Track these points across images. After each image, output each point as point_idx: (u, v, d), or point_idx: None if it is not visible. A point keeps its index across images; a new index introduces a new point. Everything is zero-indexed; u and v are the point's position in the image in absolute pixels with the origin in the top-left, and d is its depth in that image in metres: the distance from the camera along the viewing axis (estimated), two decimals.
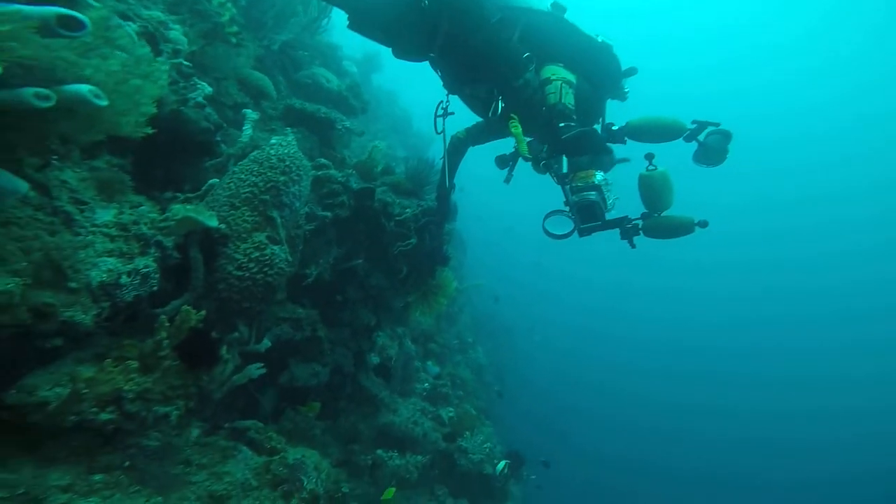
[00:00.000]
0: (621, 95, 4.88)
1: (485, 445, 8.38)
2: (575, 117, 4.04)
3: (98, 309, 2.46)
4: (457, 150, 6.04)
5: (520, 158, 5.01)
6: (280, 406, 5.08)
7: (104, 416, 2.44)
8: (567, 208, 4.45)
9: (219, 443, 3.72)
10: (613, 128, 4.51)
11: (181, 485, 3.22)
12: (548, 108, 4.16)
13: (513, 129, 4.34)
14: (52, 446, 2.48)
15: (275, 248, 3.83)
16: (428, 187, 7.53)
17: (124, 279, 2.67)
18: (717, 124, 4.32)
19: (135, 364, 2.54)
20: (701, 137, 4.37)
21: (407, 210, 6.96)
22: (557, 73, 4.32)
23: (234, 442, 3.83)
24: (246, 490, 3.61)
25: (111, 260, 2.70)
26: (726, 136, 4.25)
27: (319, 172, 6.16)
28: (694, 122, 4.37)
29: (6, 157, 2.34)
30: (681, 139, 4.39)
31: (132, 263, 2.79)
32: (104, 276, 2.55)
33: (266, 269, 3.69)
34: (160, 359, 2.68)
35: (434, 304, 7.08)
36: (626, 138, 4.52)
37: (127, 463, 2.72)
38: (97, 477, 2.57)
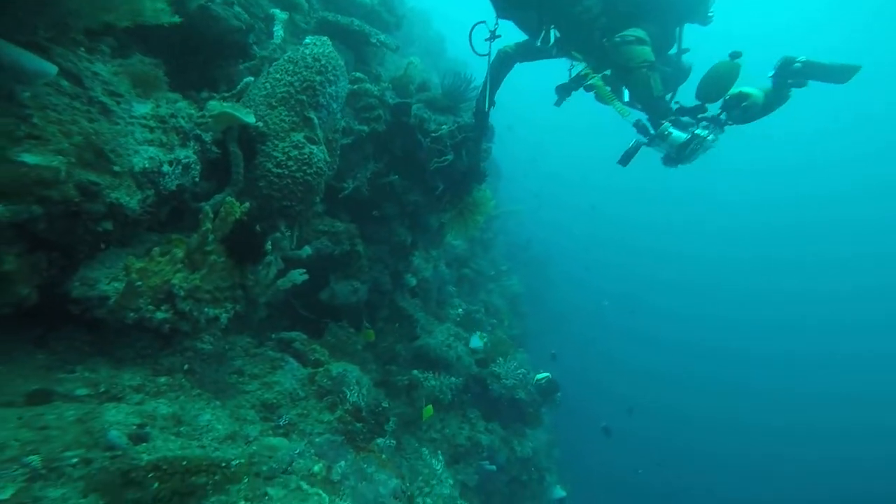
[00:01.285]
0: (704, 20, 4.69)
1: (518, 371, 8.46)
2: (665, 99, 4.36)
3: (143, 195, 2.41)
4: (503, 64, 5.88)
5: (580, 88, 5.09)
6: (322, 322, 5.10)
7: (160, 315, 2.43)
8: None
9: (267, 353, 3.76)
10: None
11: (236, 393, 3.27)
12: (645, 102, 4.40)
13: (598, 90, 4.49)
14: (121, 347, 2.52)
15: (313, 147, 3.73)
16: (464, 104, 7.33)
17: (166, 168, 2.61)
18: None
19: (180, 253, 2.51)
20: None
21: (443, 126, 6.77)
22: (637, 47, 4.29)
23: (281, 353, 3.88)
24: (294, 400, 3.67)
25: (152, 149, 2.64)
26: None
27: (355, 86, 5.98)
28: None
29: (30, 40, 2.25)
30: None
31: (173, 153, 2.73)
32: (146, 163, 2.49)
33: (305, 167, 3.61)
34: (206, 254, 2.64)
35: (470, 222, 6.99)
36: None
37: (186, 366, 2.75)
38: (162, 379, 2.61)
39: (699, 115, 4.42)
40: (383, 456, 3.89)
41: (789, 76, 4.10)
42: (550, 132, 43.75)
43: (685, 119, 4.41)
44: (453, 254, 10.08)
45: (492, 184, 15.74)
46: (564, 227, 36.20)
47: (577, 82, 5.20)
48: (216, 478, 2.26)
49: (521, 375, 8.44)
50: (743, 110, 4.16)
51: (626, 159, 4.69)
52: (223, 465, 2.31)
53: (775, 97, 4.16)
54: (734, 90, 4.19)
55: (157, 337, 2.51)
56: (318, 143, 3.87)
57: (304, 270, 3.62)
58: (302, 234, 4.14)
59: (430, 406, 6.28)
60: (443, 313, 9.11)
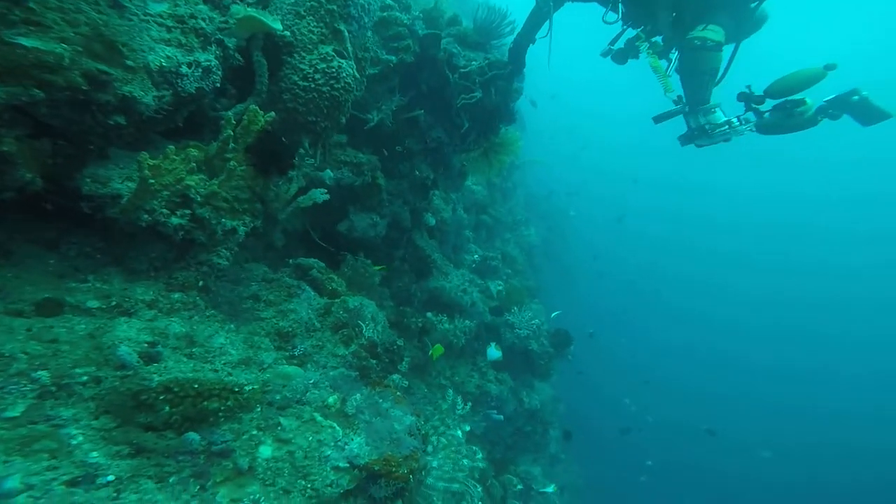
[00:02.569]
0: None
1: (532, 322, 8.31)
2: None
3: (159, 93, 2.17)
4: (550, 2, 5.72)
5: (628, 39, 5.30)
6: (340, 254, 4.91)
7: (175, 220, 2.23)
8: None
9: (283, 280, 3.57)
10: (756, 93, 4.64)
11: (251, 318, 3.10)
12: (691, 97, 4.74)
13: (655, 68, 4.71)
14: (134, 257, 2.33)
15: (342, 61, 3.45)
16: (496, 41, 6.99)
17: (185, 69, 2.36)
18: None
19: (196, 153, 2.28)
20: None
21: (473, 62, 6.43)
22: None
23: (297, 280, 3.69)
24: (309, 330, 3.49)
25: (169, 49, 2.38)
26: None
27: (385, 13, 5.65)
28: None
29: None
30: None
31: (192, 55, 2.47)
32: (163, 61, 2.24)
33: (333, 82, 3.34)
34: (226, 160, 2.41)
35: (495, 162, 6.74)
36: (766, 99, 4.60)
37: (201, 283, 2.56)
38: (176, 296, 2.43)
39: (753, 105, 4.59)
40: (398, 392, 3.75)
41: (839, 106, 4.30)
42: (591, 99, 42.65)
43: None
44: (472, 199, 9.80)
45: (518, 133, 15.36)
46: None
47: (630, 48, 5.32)
48: (228, 403, 2.10)
49: (535, 326, 8.31)
50: (788, 115, 4.28)
51: (661, 118, 5.05)
52: (236, 390, 2.15)
53: (812, 119, 4.37)
54: (800, 95, 4.29)
55: (171, 247, 2.30)
56: (348, 58, 3.58)
57: (326, 191, 3.39)
58: (325, 154, 3.90)
59: (439, 345, 6.13)
60: (459, 258, 8.92)
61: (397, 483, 3.11)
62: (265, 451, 2.41)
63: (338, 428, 2.86)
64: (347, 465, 2.85)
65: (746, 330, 39.42)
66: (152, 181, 2.03)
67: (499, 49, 7.04)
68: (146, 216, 2.10)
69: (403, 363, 5.02)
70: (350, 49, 3.63)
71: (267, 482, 2.38)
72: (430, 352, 6.08)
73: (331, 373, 3.38)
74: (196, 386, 1.94)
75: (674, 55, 4.99)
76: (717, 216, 47.72)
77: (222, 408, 2.06)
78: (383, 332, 4.72)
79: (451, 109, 6.52)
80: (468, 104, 6.42)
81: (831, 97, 4.28)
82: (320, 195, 3.33)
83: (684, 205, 47.43)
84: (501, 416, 7.89)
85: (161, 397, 1.81)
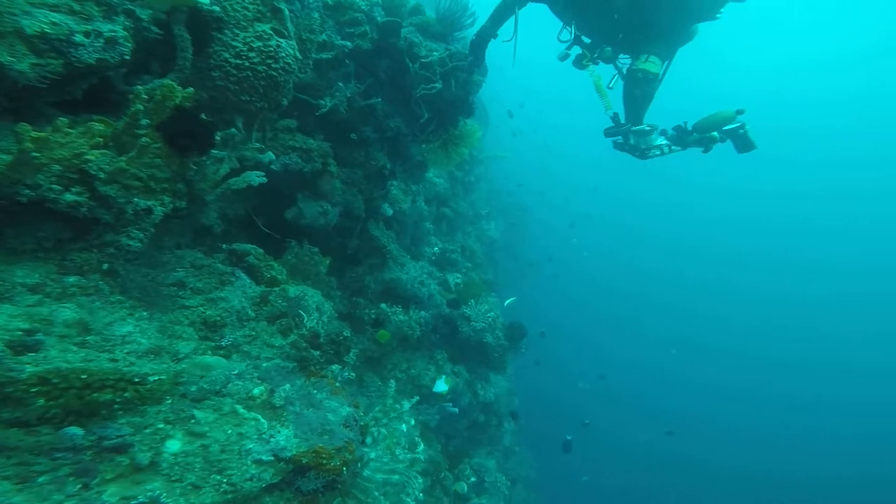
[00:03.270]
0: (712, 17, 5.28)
1: (488, 315, 8.21)
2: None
3: (41, 61, 1.97)
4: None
5: (577, 55, 5.60)
6: (285, 242, 4.71)
7: (69, 197, 2.02)
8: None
9: (215, 266, 3.37)
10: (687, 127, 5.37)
11: (174, 307, 2.89)
12: (629, 114, 5.34)
13: (597, 86, 5.26)
14: (15, 235, 2.10)
15: (281, 41, 3.27)
16: (458, 33, 6.87)
17: (80, 38, 2.15)
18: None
19: (101, 127, 2.08)
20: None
21: (434, 53, 6.29)
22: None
23: (231, 267, 3.49)
24: (242, 320, 3.31)
25: (56, 15, 2.17)
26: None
27: None
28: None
29: None
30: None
31: (90, 24, 2.26)
32: (46, 27, 2.03)
33: (270, 61, 3.16)
34: (137, 136, 2.21)
35: (454, 154, 6.61)
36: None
37: (105, 265, 2.34)
38: (71, 279, 2.21)
39: (683, 136, 5.32)
40: (337, 383, 3.59)
41: (729, 134, 5.17)
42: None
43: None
44: (434, 191, 9.66)
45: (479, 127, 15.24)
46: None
47: (578, 62, 5.59)
48: (126, 395, 1.91)
49: (490, 319, 8.21)
50: (705, 145, 5.24)
51: (610, 133, 5.45)
52: (137, 380, 1.97)
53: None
54: (714, 133, 5.17)
55: (67, 225, 2.09)
56: (289, 38, 3.40)
57: (263, 174, 3.20)
58: (265, 136, 3.71)
59: (384, 331, 5.98)
60: (418, 251, 8.78)
61: (328, 475, 2.96)
62: (173, 445, 2.24)
63: (263, 420, 2.69)
64: (272, 458, 2.69)
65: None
66: (36, 154, 1.83)
67: (460, 41, 6.91)
68: (28, 192, 1.90)
69: (350, 354, 4.85)
70: (292, 29, 3.45)
71: (173, 478, 2.20)
72: (377, 336, 5.91)
73: (263, 364, 3.21)
74: (84, 377, 1.76)
75: (622, 62, 5.45)
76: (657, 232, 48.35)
77: (118, 400, 1.88)
78: (329, 322, 4.54)
79: (411, 99, 6.37)
80: (428, 94, 6.29)
81: (727, 128, 5.17)
82: (256, 178, 3.14)
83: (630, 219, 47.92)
84: (456, 409, 7.79)
85: (34, 390, 1.62)
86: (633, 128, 5.27)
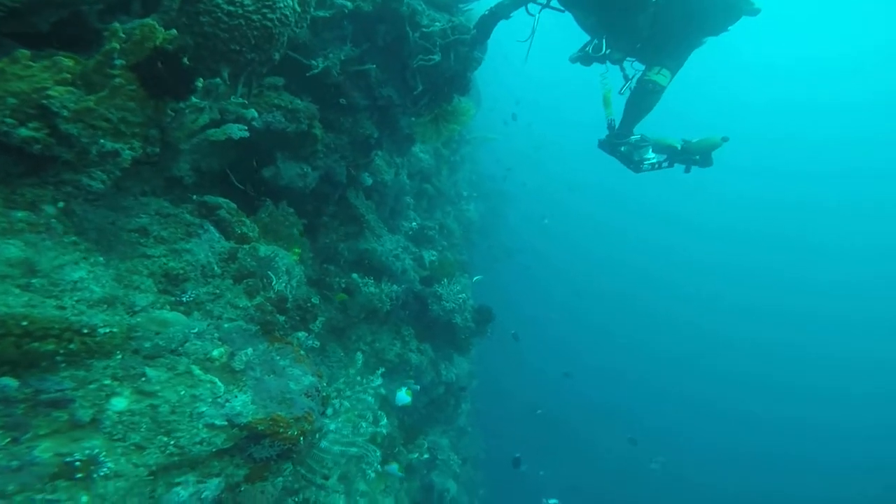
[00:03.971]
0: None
1: (459, 296, 8.12)
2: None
3: None
4: None
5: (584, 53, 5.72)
6: (259, 200, 4.52)
7: (23, 132, 1.82)
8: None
9: (183, 216, 3.18)
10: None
11: (134, 255, 2.71)
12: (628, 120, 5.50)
13: (605, 98, 5.57)
14: None
15: None
16: (463, 5, 6.68)
17: None
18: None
19: (69, 63, 1.89)
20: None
21: (436, 23, 6.06)
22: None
23: (200, 219, 3.31)
24: (206, 276, 3.13)
25: None
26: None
27: None
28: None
29: None
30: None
31: None
32: None
33: (266, 10, 2.95)
34: (110, 76, 2.02)
35: (444, 130, 6.45)
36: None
37: (61, 204, 2.16)
38: (19, 214, 2.02)
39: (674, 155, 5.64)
40: (301, 351, 3.45)
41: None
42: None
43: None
44: (418, 166, 9.47)
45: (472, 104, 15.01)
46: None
47: (585, 60, 5.72)
48: (71, 347, 1.75)
49: (461, 300, 8.12)
50: (689, 165, 5.62)
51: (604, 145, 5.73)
52: (85, 332, 1.80)
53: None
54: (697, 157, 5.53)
55: (20, 160, 1.90)
56: None
57: (246, 128, 3.01)
58: (251, 90, 3.50)
59: (343, 294, 5.81)
60: (396, 224, 8.62)
61: (284, 445, 2.84)
62: (119, 403, 2.08)
63: (220, 383, 2.55)
64: (226, 423, 2.55)
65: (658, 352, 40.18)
66: None
67: (465, 14, 6.70)
68: None
69: (317, 322, 4.71)
70: None
71: (115, 437, 2.05)
72: (335, 297, 5.72)
73: (225, 325, 3.05)
74: (25, 323, 1.60)
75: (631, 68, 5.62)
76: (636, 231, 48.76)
77: (61, 351, 1.72)
78: (298, 287, 4.38)
79: (406, 69, 6.15)
80: (425, 66, 6.07)
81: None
82: (238, 131, 2.95)
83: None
84: (418, 387, 7.72)
85: None
86: (631, 138, 5.53)
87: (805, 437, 35.08)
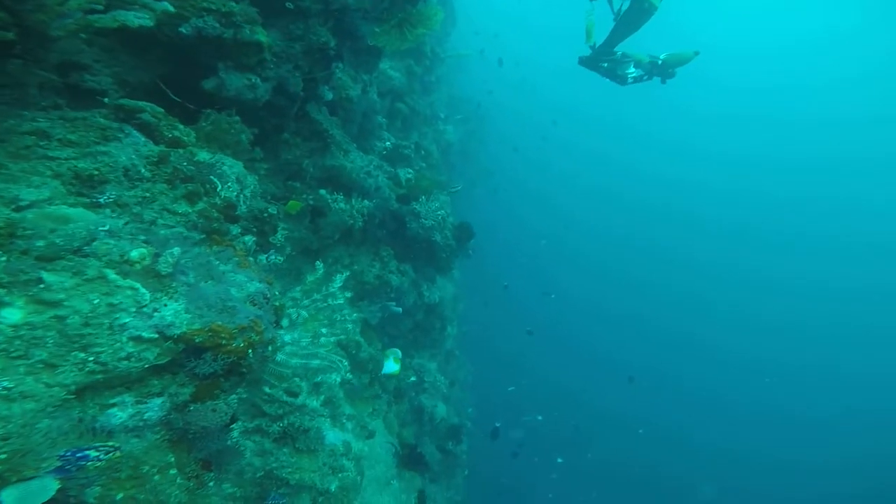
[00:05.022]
0: None
1: (438, 213, 7.79)
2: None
3: None
4: None
5: None
6: (202, 112, 4.07)
7: None
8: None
9: (95, 119, 2.77)
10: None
11: (30, 156, 2.34)
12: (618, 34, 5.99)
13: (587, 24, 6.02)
14: None
15: None
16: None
17: None
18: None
19: None
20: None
21: None
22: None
23: (119, 123, 2.91)
24: (132, 179, 2.75)
25: None
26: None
27: None
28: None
29: None
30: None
31: None
32: None
33: None
34: None
35: (409, 35, 5.94)
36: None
37: None
38: None
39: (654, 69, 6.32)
40: (247, 256, 3.14)
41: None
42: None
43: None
44: (389, 85, 8.91)
45: (444, 27, 14.19)
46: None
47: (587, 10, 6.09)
48: None
49: (440, 217, 7.79)
50: (669, 76, 6.30)
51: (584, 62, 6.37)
52: None
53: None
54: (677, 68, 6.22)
55: None
56: None
57: (147, 17, 2.57)
58: None
59: (296, 202, 5.38)
60: (368, 144, 8.17)
61: (229, 357, 2.57)
62: (11, 314, 1.78)
63: (143, 290, 2.24)
64: (156, 335, 2.26)
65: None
66: None
67: None
68: None
69: (277, 235, 4.39)
70: None
71: (13, 354, 1.76)
72: (287, 207, 5.30)
73: (161, 231, 2.71)
74: None
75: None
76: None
77: None
78: (252, 198, 4.03)
79: None
80: None
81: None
82: (135, 18, 2.51)
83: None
84: (400, 309, 7.50)
85: None
86: (616, 55, 6.06)
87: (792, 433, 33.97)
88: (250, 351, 2.66)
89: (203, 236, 3.00)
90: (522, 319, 22.59)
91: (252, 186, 4.00)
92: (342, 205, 5.90)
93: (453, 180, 11.01)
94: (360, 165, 6.47)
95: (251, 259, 3.13)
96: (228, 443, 3.09)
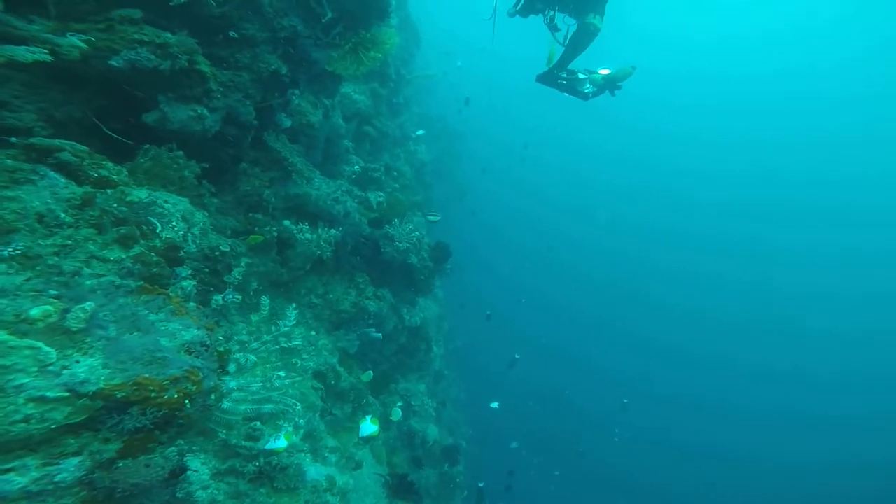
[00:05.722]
0: None
1: (413, 234, 7.58)
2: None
3: None
4: None
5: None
6: (140, 145, 3.85)
7: None
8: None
9: (1, 161, 2.54)
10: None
11: None
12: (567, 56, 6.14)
13: (552, 56, 6.21)
14: None
15: None
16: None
17: None
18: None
19: None
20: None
21: None
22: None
23: (32, 164, 2.67)
24: (48, 226, 2.51)
25: None
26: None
27: None
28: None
29: None
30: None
31: None
32: None
33: None
34: None
35: (365, 59, 5.79)
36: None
37: None
38: None
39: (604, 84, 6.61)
40: (191, 304, 2.90)
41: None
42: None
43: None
44: (354, 108, 8.72)
45: (408, 49, 14.10)
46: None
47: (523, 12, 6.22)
48: None
49: (415, 239, 7.59)
50: (617, 89, 6.66)
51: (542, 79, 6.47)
52: None
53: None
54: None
55: None
56: None
57: (45, 52, 2.36)
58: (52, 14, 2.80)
59: (257, 236, 5.11)
60: (336, 169, 7.97)
61: (160, 411, 2.32)
62: None
63: (46, 348, 1.99)
64: (66, 393, 2.01)
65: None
66: None
67: None
68: None
69: (233, 273, 4.14)
70: None
71: None
72: (249, 240, 5.01)
73: (87, 282, 2.47)
74: None
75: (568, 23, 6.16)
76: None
77: None
78: (202, 235, 3.80)
79: None
80: None
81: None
82: (27, 53, 2.30)
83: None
84: (380, 335, 7.25)
85: None
86: (578, 75, 6.42)
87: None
88: (187, 402, 2.41)
89: (140, 283, 2.75)
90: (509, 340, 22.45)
91: (201, 224, 3.77)
92: (308, 235, 5.67)
93: (429, 200, 10.85)
94: (326, 192, 6.25)
95: (192, 305, 2.88)
96: (178, 495, 2.81)
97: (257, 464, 4.01)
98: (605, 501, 22.46)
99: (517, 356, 17.21)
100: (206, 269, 3.73)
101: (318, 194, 6.11)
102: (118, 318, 2.31)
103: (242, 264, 4.28)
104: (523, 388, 22.68)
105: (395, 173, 9.93)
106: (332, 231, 6.00)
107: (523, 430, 19.76)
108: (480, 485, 11.70)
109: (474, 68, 31.94)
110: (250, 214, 5.33)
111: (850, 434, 32.23)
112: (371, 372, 6.73)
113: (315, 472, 5.01)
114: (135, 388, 2.19)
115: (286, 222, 5.55)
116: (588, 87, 6.55)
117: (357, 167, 8.23)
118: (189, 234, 3.60)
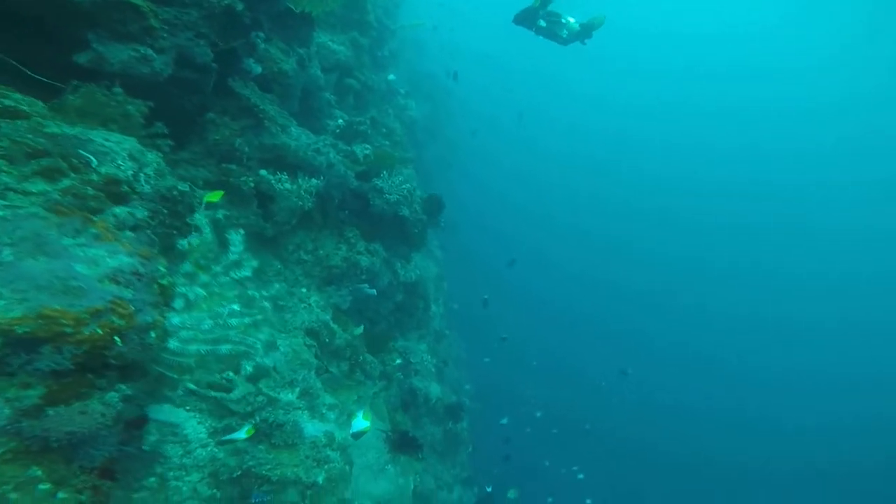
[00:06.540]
0: None
1: (403, 186, 7.20)
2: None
3: None
4: None
5: None
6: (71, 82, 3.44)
7: None
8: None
9: None
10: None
11: None
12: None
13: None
14: None
15: None
16: None
17: None
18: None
19: None
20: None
21: None
22: None
23: None
24: None
25: None
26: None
27: None
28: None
29: None
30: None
31: None
32: None
33: None
34: None
35: None
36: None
37: None
38: None
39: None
40: (127, 233, 2.55)
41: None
42: None
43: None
44: (334, 59, 8.23)
45: None
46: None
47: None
48: None
49: (406, 191, 7.20)
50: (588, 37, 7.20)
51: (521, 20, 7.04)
52: None
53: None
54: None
55: None
56: None
57: None
58: None
59: (218, 192, 4.63)
60: (319, 125, 7.56)
61: (79, 348, 1.99)
62: None
63: None
64: None
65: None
66: None
67: None
68: None
69: (196, 215, 3.79)
70: None
71: None
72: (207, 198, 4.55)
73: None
74: None
75: None
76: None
77: None
78: (157, 176, 3.44)
79: None
80: None
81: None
82: None
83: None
84: (374, 291, 6.91)
85: None
86: (559, 18, 6.90)
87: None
88: (117, 338, 2.08)
89: (81, 218, 2.41)
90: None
91: (155, 164, 3.41)
92: (287, 185, 5.30)
93: (421, 158, 10.40)
94: (305, 143, 5.84)
95: (127, 233, 2.53)
96: (143, 446, 2.51)
97: (253, 421, 3.78)
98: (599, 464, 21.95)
99: (504, 336, 16.58)
100: (165, 210, 3.37)
101: (297, 144, 5.71)
102: (15, 240, 1.97)
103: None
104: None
105: (385, 130, 9.49)
106: (314, 181, 5.62)
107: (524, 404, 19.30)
108: (489, 489, 11.60)
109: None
110: (223, 165, 4.95)
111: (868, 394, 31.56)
112: (362, 326, 6.40)
113: (313, 428, 4.79)
114: (41, 321, 1.85)
115: (263, 171, 5.17)
116: (565, 32, 6.97)
117: (341, 121, 7.81)
118: (141, 174, 3.24)
